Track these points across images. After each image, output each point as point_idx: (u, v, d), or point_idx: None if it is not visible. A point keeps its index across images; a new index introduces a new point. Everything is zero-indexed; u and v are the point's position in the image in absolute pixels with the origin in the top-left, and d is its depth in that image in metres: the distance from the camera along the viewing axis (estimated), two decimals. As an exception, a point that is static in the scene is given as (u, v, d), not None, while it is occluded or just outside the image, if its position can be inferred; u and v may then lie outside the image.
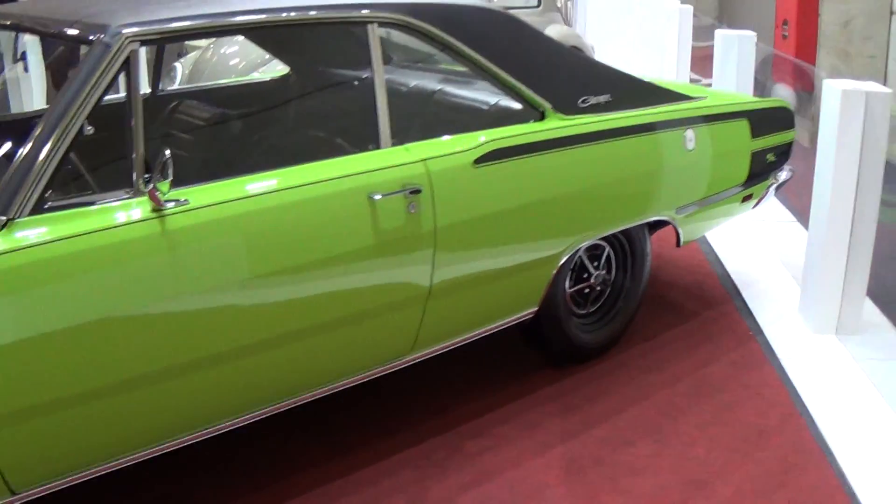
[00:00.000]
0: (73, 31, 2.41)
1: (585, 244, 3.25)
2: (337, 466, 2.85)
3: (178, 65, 6.43)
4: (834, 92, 3.54)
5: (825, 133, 3.65)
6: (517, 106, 3.13)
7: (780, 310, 3.98)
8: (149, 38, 2.35)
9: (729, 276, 4.37)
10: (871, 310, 3.87)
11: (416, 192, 2.67)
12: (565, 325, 3.34)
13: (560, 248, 3.14)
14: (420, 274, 2.75)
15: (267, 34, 3.54)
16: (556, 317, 3.29)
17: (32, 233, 2.08)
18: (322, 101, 3.61)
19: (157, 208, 2.23)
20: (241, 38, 5.51)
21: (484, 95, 3.34)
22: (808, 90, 6.53)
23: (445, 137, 2.87)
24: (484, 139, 2.88)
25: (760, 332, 3.79)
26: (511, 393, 3.29)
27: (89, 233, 2.13)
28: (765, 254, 4.65)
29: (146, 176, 2.23)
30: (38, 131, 2.15)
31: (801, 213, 4.86)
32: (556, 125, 3.09)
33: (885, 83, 6.24)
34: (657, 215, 3.49)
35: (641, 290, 3.64)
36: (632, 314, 3.63)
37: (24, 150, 2.13)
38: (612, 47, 9.19)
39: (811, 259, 3.79)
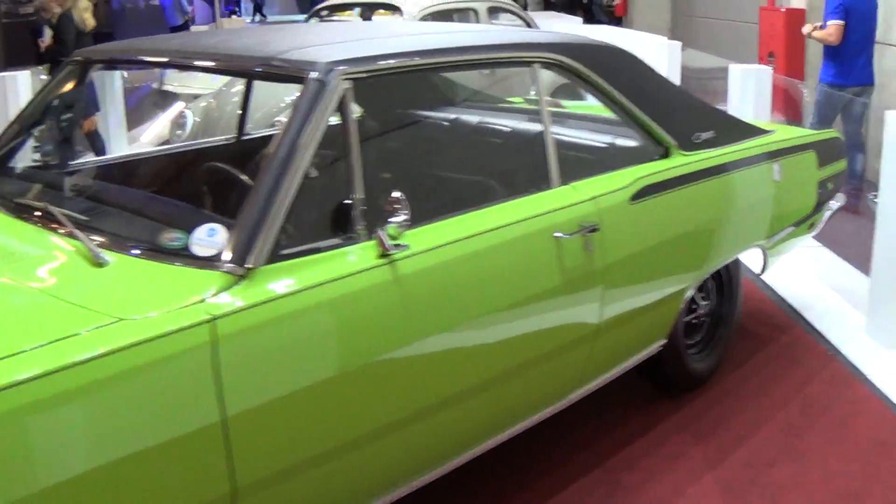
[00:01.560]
0: (275, 68, 2.33)
1: (708, 274, 3.38)
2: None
3: (188, 112, 6.35)
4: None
5: (890, 159, 3.88)
6: (637, 144, 3.24)
7: (847, 330, 4.18)
8: (359, 75, 2.31)
9: (784, 300, 4.56)
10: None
11: (594, 230, 2.74)
12: (682, 355, 3.45)
13: (691, 279, 3.26)
14: (591, 312, 2.82)
15: (449, 72, 3.44)
16: (676, 347, 3.40)
17: (275, 284, 2.01)
18: (492, 141, 3.60)
19: (384, 253, 2.20)
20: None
21: (592, 136, 3.45)
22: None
23: (596, 176, 2.94)
24: (636, 177, 2.98)
25: (838, 352, 3.98)
26: (639, 426, 3.37)
27: (327, 282, 2.08)
28: (806, 277, 4.85)
29: (382, 220, 2.18)
30: (265, 174, 2.09)
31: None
32: (683, 161, 3.22)
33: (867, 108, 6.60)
34: (756, 244, 3.65)
35: (737, 317, 3.78)
36: (728, 341, 3.77)
37: (255, 195, 2.06)
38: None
39: (879, 281, 4.01)
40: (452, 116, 3.82)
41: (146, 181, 3.22)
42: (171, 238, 2.08)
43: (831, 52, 6.22)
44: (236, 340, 1.89)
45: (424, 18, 6.94)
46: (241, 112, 3.68)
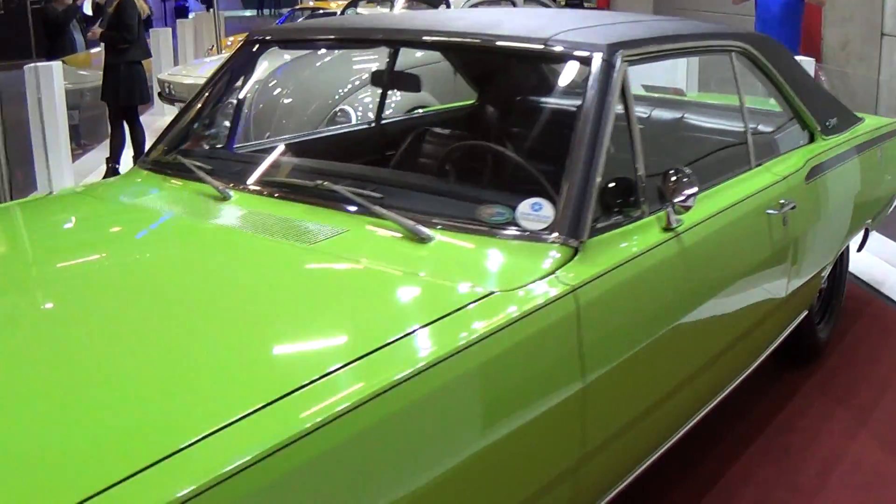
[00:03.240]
0: (557, 51, 2.43)
1: (844, 247, 3.64)
2: None
3: (233, 101, 6.32)
4: None
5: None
6: (790, 130, 3.46)
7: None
8: (633, 57, 2.43)
9: (856, 276, 4.86)
10: None
11: (794, 207, 2.95)
12: (813, 324, 3.71)
13: (835, 252, 3.52)
14: (782, 285, 3.03)
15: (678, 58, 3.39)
16: (811, 316, 3.64)
17: (603, 256, 2.13)
18: (700, 125, 3.72)
19: (669, 227, 2.37)
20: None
21: (729, 123, 3.64)
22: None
23: (774, 159, 3.16)
24: (805, 159, 3.21)
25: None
26: (781, 394, 3.60)
27: (640, 254, 2.23)
28: (863, 256, 5.15)
29: (669, 195, 2.32)
30: (580, 151, 2.18)
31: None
32: (827, 145, 3.46)
33: (876, 100, 6.99)
34: (868, 220, 3.93)
35: (844, 288, 4.06)
36: (839, 312, 4.04)
37: (573, 171, 2.16)
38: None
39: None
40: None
41: (378, 157, 3.35)
42: (491, 213, 2.18)
43: None
44: (591, 309, 2.02)
45: (474, 6, 7.07)
46: (380, 99, 3.81)
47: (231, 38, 10.72)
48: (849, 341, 4.08)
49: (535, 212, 2.14)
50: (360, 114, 5.95)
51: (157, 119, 9.62)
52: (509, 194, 2.28)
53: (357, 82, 6.27)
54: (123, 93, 7.19)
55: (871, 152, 3.87)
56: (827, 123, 3.57)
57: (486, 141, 2.79)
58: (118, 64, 7.13)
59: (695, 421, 2.69)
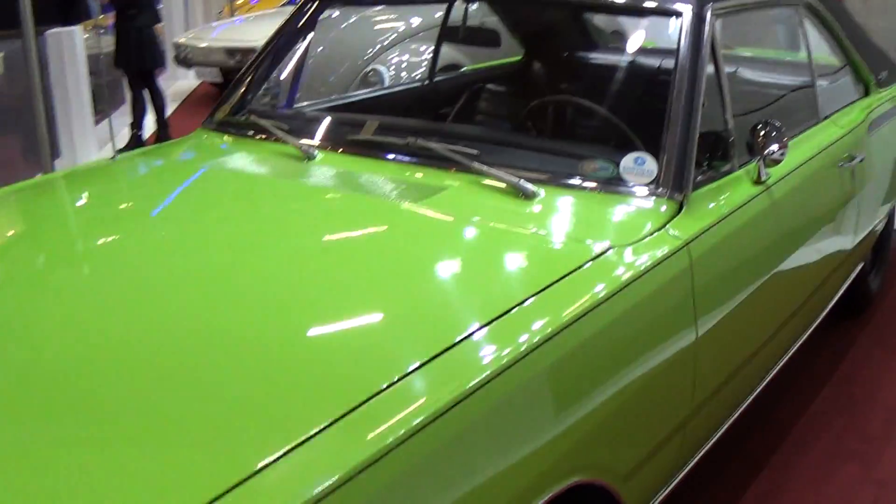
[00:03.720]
0: (651, 5, 2.46)
1: None
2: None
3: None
4: None
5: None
6: (847, 83, 3.46)
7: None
8: (721, 12, 2.43)
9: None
10: None
11: (862, 160, 2.97)
12: (868, 274, 3.73)
13: (891, 203, 3.54)
14: (849, 237, 3.06)
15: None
16: (865, 267, 3.67)
17: (707, 209, 2.15)
18: (771, 81, 3.63)
19: (759, 181, 2.38)
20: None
21: (796, 78, 3.62)
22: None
23: (837, 112, 3.16)
24: (866, 111, 3.22)
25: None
26: (841, 344, 3.64)
27: (739, 206, 2.25)
28: None
29: (760, 149, 2.33)
30: (679, 106, 2.19)
31: None
32: (882, 97, 3.47)
33: (898, 53, 6.97)
34: None
35: (891, 239, 4.09)
36: (888, 263, 4.08)
37: (674, 126, 2.16)
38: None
39: None
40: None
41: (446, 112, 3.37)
42: (595, 168, 2.18)
43: None
44: (703, 262, 2.03)
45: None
46: (433, 56, 3.79)
47: (242, -1, 10.62)
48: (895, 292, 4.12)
49: (639, 166, 2.15)
50: (392, 73, 5.92)
51: (173, 83, 9.57)
52: (607, 149, 2.28)
53: (386, 42, 6.23)
54: (135, 58, 7.12)
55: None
56: (879, 76, 3.58)
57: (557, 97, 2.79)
58: (129, 30, 7.04)
59: (774, 372, 2.72)
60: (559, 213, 2.10)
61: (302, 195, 2.31)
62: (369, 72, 5.97)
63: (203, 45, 8.38)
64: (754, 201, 2.33)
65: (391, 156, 2.39)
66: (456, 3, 3.38)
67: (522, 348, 1.54)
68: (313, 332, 1.62)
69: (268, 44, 3.06)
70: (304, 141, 2.50)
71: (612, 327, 1.75)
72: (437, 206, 2.10)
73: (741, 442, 2.93)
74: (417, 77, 5.98)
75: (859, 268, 3.50)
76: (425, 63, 6.04)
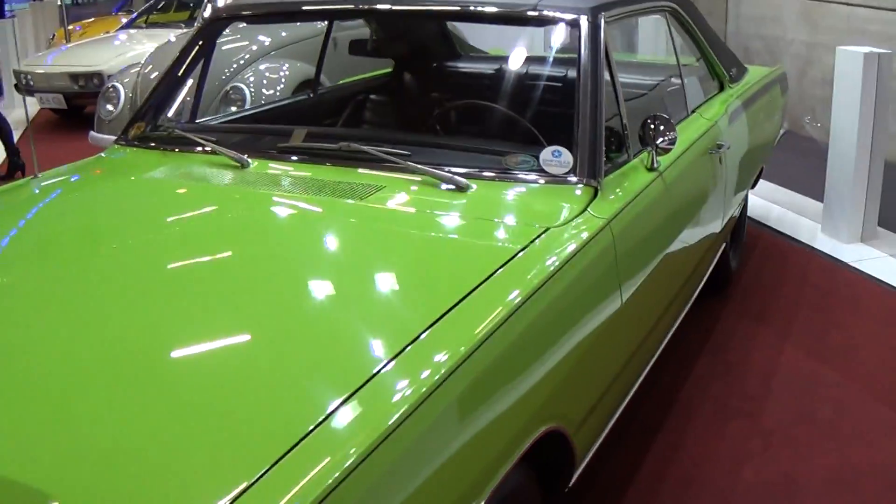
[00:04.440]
0: (547, 15, 2.66)
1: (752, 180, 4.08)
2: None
3: (119, 86, 6.25)
4: (856, 55, 4.63)
5: (840, 88, 4.72)
6: (704, 80, 3.83)
7: (807, 230, 5.03)
8: (609, 19, 2.69)
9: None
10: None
11: (728, 147, 3.32)
12: (728, 253, 4.12)
13: (749, 185, 3.93)
14: (718, 221, 3.40)
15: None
16: (727, 248, 4.05)
17: (617, 193, 2.41)
18: (644, 78, 3.92)
19: (652, 167, 2.66)
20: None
21: (664, 77, 3.95)
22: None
23: (700, 106, 3.51)
24: (725, 105, 3.59)
25: (812, 248, 4.81)
26: (708, 319, 4.00)
27: (641, 191, 2.53)
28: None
29: (652, 140, 2.60)
30: (588, 103, 2.43)
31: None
32: (736, 92, 3.87)
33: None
34: (764, 158, 4.38)
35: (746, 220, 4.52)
36: (744, 241, 4.51)
37: (584, 122, 2.41)
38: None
39: (834, 186, 4.87)
40: None
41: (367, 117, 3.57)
42: (517, 161, 2.40)
43: None
44: (621, 239, 2.29)
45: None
46: (317, 69, 3.95)
47: (79, 24, 10.35)
48: (752, 268, 4.54)
49: (556, 158, 2.38)
50: (252, 90, 6.00)
51: (12, 111, 9.24)
52: (518, 146, 2.51)
53: (243, 60, 6.30)
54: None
55: (763, 97, 4.32)
56: (731, 73, 3.97)
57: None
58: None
59: (666, 340, 3.02)
60: (494, 202, 2.30)
61: (251, 198, 2.42)
62: (230, 90, 6.03)
63: (45, 71, 8.17)
64: (651, 186, 2.61)
65: (319, 160, 2.53)
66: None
67: (499, 318, 1.73)
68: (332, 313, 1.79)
69: (173, 63, 3.14)
70: (232, 151, 2.61)
71: (563, 296, 1.98)
72: (382, 202, 2.26)
73: (636, 411, 3.22)
74: (277, 93, 6.10)
75: (723, 247, 3.87)
76: (283, 79, 6.17)
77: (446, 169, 2.37)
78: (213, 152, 2.65)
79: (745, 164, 3.88)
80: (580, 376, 2.05)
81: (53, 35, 10.70)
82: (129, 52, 8.09)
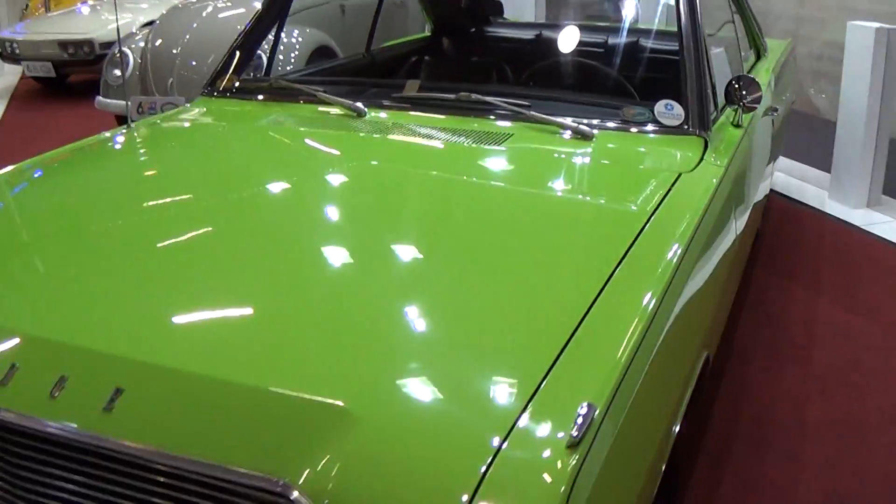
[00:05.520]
0: None
1: None
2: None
3: (127, 51, 6.23)
4: (867, 30, 4.87)
5: (850, 63, 4.97)
6: (747, 49, 4.02)
7: (814, 197, 5.29)
8: None
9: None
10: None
11: (776, 111, 3.53)
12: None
13: (782, 146, 4.15)
14: (770, 172, 3.61)
15: None
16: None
17: (724, 141, 2.61)
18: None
19: (737, 124, 2.84)
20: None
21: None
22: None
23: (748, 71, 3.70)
24: (769, 71, 3.79)
25: (824, 213, 5.06)
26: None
27: (737, 143, 2.69)
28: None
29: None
30: (693, 59, 2.60)
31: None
32: (771, 59, 4.08)
33: None
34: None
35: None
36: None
37: (691, 77, 2.58)
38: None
39: (843, 154, 5.12)
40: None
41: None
42: (633, 113, 2.56)
43: None
44: (732, 184, 2.49)
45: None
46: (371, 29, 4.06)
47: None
48: (772, 229, 4.78)
49: (669, 111, 2.54)
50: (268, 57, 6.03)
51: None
52: (626, 101, 2.66)
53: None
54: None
55: (787, 66, 4.54)
56: (764, 42, 4.18)
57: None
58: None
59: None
60: (621, 149, 2.46)
61: (389, 145, 2.51)
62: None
63: (33, 38, 8.07)
64: (742, 140, 2.78)
65: (437, 111, 2.65)
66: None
67: (677, 252, 1.89)
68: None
69: (256, 18, 3.22)
70: (348, 101, 2.70)
71: (711, 231, 2.16)
72: (519, 144, 2.41)
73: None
74: (293, 59, 6.15)
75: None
76: (298, 45, 6.22)
77: (563, 120, 2.51)
78: (323, 102, 2.74)
79: (781, 127, 4.10)
80: (720, 305, 2.23)
81: (27, 4, 10.51)
82: (129, 17, 8.01)
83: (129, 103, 5.20)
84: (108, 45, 7.66)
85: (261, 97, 2.91)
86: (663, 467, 1.61)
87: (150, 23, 7.73)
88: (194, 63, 6.05)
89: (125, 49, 6.24)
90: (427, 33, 4.55)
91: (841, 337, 3.63)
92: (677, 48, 2.66)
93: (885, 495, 2.65)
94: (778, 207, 5.19)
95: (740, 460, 2.80)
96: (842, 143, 5.14)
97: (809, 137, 6.20)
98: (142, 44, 6.28)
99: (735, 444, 2.88)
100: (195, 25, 6.22)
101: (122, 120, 6.09)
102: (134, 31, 7.12)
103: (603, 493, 1.27)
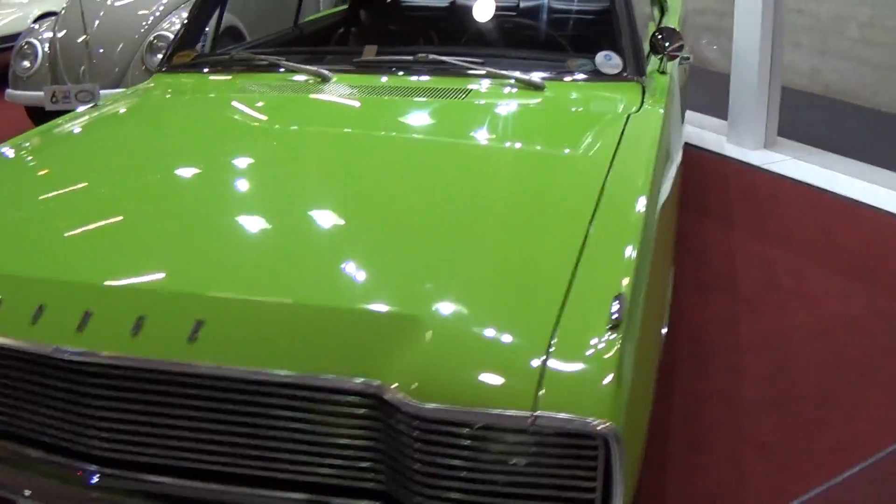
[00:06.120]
0: None
1: None
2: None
3: (35, 42, 6.17)
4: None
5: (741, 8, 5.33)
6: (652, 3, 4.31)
7: (713, 141, 5.66)
8: None
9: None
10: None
11: (688, 58, 3.82)
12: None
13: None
14: (684, 115, 3.90)
15: None
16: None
17: (657, 83, 2.87)
18: None
19: (663, 71, 3.10)
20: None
21: None
22: None
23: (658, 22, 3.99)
24: (677, 22, 4.09)
25: (721, 155, 5.43)
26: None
27: (667, 87, 2.93)
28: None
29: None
30: (624, 15, 2.87)
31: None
32: (674, 12, 4.38)
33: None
34: None
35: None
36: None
37: (625, 31, 2.83)
38: None
39: (738, 100, 5.50)
40: None
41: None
42: (576, 65, 2.80)
43: None
44: (666, 123, 2.73)
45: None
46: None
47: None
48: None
49: (608, 61, 2.78)
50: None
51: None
52: (565, 54, 2.90)
53: (158, 12, 6.35)
54: None
55: (686, 19, 4.86)
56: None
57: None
58: None
59: None
60: (572, 97, 2.69)
61: (367, 105, 2.71)
62: (153, 40, 6.08)
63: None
64: (670, 86, 3.05)
65: (395, 72, 2.83)
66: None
67: (651, 176, 2.14)
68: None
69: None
70: (313, 67, 2.86)
71: (665, 160, 2.44)
72: (481, 99, 2.64)
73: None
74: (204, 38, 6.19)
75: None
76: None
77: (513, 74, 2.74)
78: (287, 70, 2.88)
79: (689, 74, 4.40)
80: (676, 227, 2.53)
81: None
82: (19, 12, 7.93)
83: (44, 93, 5.23)
84: (3, 38, 7.56)
85: (221, 69, 3.03)
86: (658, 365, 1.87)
87: (45, 14, 7.67)
88: (102, 50, 6.06)
89: (32, 40, 6.19)
90: (344, 6, 4.69)
91: (759, 264, 3.97)
92: (588, 7, 2.93)
93: (818, 397, 2.97)
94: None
95: (687, 375, 3.09)
96: (737, 91, 5.51)
97: (699, 88, 6.58)
98: (48, 34, 6.23)
99: (679, 362, 3.17)
100: (102, 14, 6.21)
101: (33, 111, 6.05)
102: (31, 24, 7.02)
103: (637, 367, 1.54)
